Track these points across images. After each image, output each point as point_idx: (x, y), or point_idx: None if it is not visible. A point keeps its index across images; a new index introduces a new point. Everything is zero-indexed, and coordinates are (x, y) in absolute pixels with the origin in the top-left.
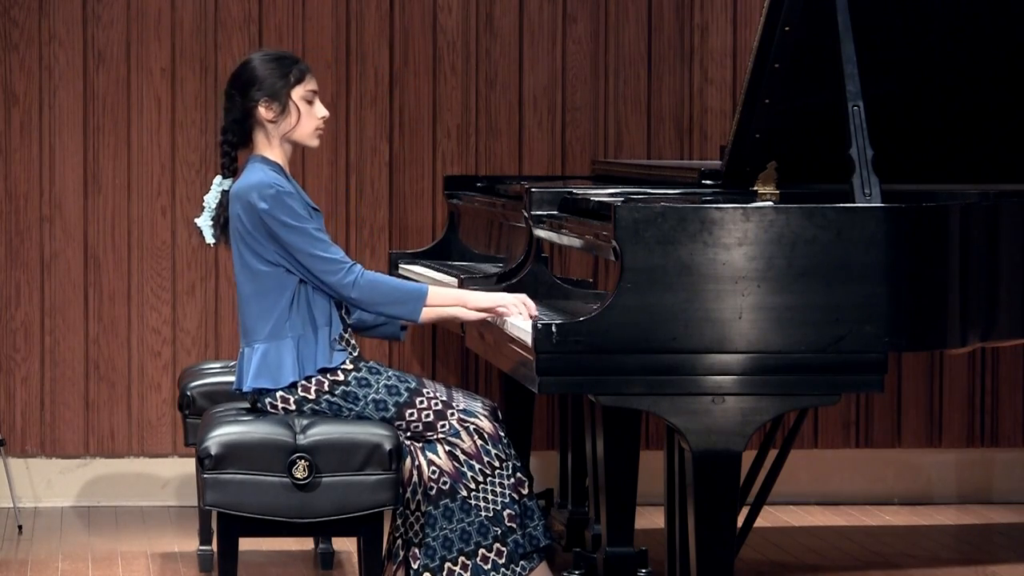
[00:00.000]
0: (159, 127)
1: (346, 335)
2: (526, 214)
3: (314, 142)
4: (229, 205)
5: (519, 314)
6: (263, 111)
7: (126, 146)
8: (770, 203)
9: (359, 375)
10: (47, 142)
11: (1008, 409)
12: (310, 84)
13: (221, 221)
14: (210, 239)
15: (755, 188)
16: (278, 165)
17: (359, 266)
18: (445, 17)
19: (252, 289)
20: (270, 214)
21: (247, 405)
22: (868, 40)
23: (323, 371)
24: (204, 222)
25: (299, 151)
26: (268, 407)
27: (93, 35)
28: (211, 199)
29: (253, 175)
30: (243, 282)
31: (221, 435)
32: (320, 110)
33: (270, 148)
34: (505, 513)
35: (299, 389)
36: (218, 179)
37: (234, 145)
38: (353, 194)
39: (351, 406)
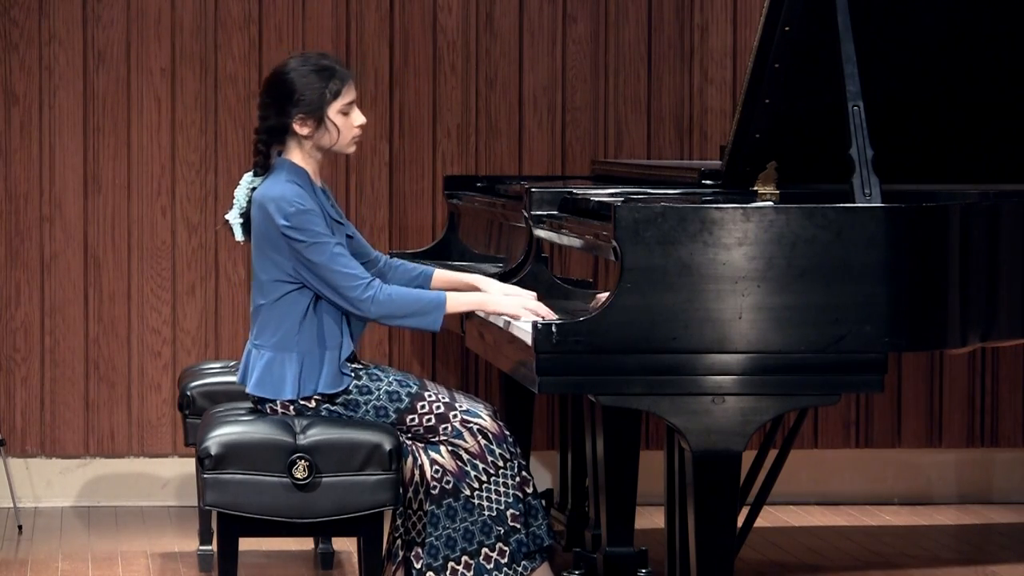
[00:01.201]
0: (159, 127)
1: (352, 356)
2: (526, 214)
3: (351, 150)
4: (252, 208)
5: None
6: (298, 127)
7: (126, 146)
8: (770, 203)
9: (359, 383)
10: (47, 142)
11: (1008, 409)
12: (347, 96)
13: (250, 218)
14: (240, 236)
15: (755, 188)
16: (305, 173)
17: (378, 281)
18: (445, 17)
19: (267, 296)
20: (290, 231)
21: (247, 405)
22: (868, 40)
23: (330, 397)
24: (234, 219)
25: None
26: (268, 410)
27: (93, 35)
28: (241, 195)
29: (276, 187)
30: (259, 286)
31: (221, 435)
32: (357, 118)
33: (302, 156)
34: (509, 512)
35: (299, 399)
36: (248, 176)
37: (268, 144)
38: (353, 194)
39: (352, 413)
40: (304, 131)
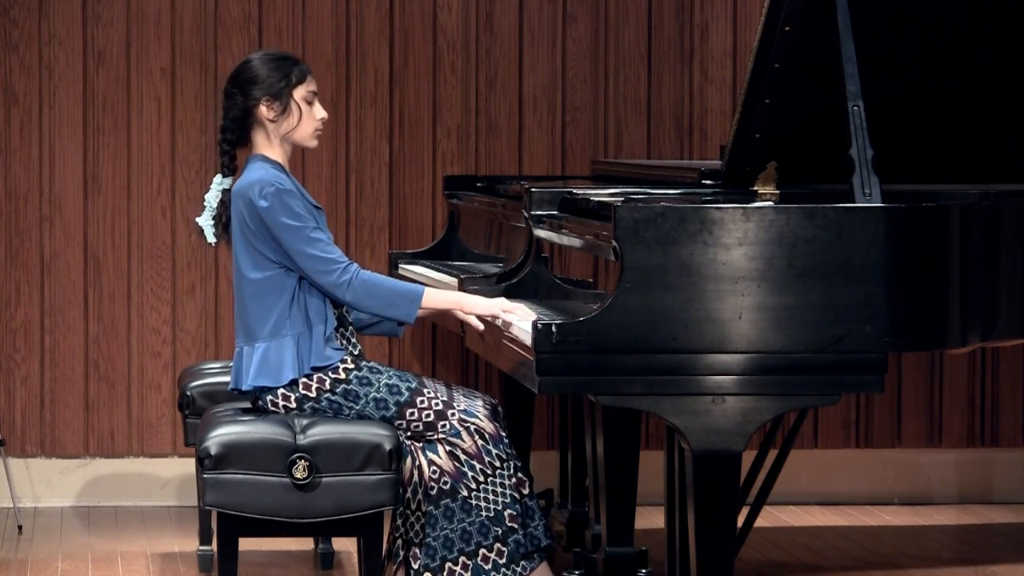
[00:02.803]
0: (159, 127)
1: (346, 333)
2: (526, 214)
3: (312, 143)
4: (231, 204)
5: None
6: (264, 110)
7: (126, 146)
8: (770, 203)
9: (360, 374)
10: (47, 142)
11: (1008, 409)
12: (311, 85)
13: (223, 220)
14: (211, 238)
15: (755, 188)
16: (279, 164)
17: (355, 266)
18: (445, 17)
19: (254, 288)
20: (269, 212)
21: (247, 405)
22: (868, 40)
23: (322, 369)
24: (205, 221)
25: (298, 151)
26: (269, 405)
27: (93, 35)
28: (211, 198)
29: (254, 173)
30: (244, 281)
31: (221, 435)
32: (319, 111)
33: (270, 147)
34: (506, 513)
35: (300, 387)
36: (218, 178)
37: (233, 144)
38: (353, 194)
39: (352, 404)
40: (270, 115)
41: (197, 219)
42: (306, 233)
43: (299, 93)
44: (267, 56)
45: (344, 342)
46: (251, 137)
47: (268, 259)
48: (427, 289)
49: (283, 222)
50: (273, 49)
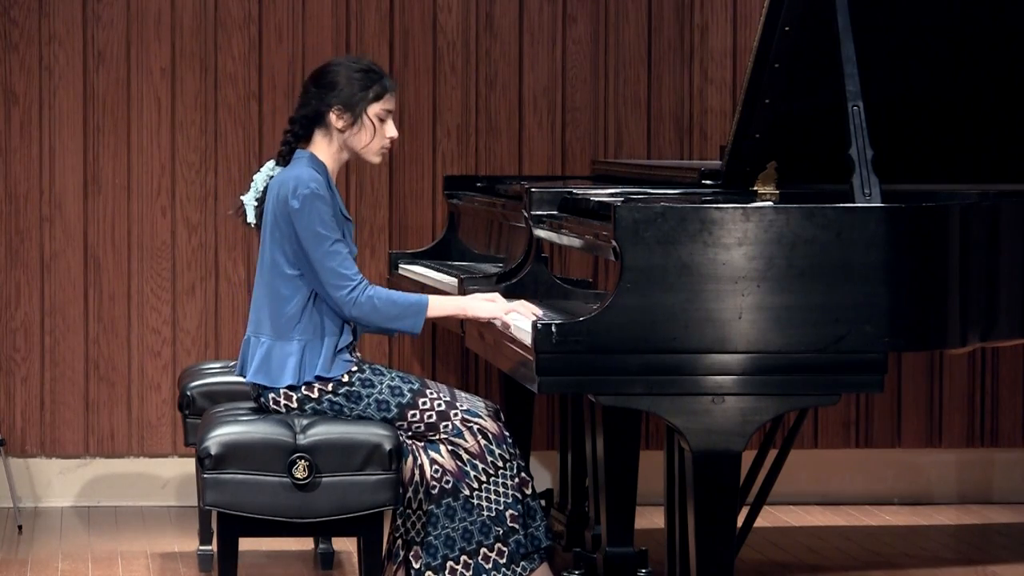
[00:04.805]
0: (159, 127)
1: (353, 345)
2: (526, 214)
3: (376, 159)
4: (268, 195)
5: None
6: (334, 118)
7: (126, 146)
8: (770, 203)
9: (363, 376)
10: (47, 142)
11: (1008, 409)
12: (388, 103)
13: (262, 206)
14: (252, 218)
15: (755, 188)
16: (324, 166)
17: (366, 283)
18: (445, 17)
19: (270, 285)
20: (298, 214)
21: (247, 405)
22: (868, 40)
23: (325, 380)
24: (249, 201)
25: (356, 163)
26: (271, 403)
27: (93, 35)
28: (260, 180)
29: (295, 170)
30: (263, 274)
31: (221, 435)
32: (390, 130)
33: (327, 150)
34: (508, 513)
35: (302, 388)
36: (271, 163)
37: (298, 137)
38: (353, 194)
39: (353, 406)
40: (339, 124)
41: (242, 196)
42: (327, 244)
43: (374, 110)
44: (354, 65)
45: (350, 355)
46: (314, 135)
47: (289, 261)
48: (431, 299)
49: (309, 227)
50: (364, 59)
